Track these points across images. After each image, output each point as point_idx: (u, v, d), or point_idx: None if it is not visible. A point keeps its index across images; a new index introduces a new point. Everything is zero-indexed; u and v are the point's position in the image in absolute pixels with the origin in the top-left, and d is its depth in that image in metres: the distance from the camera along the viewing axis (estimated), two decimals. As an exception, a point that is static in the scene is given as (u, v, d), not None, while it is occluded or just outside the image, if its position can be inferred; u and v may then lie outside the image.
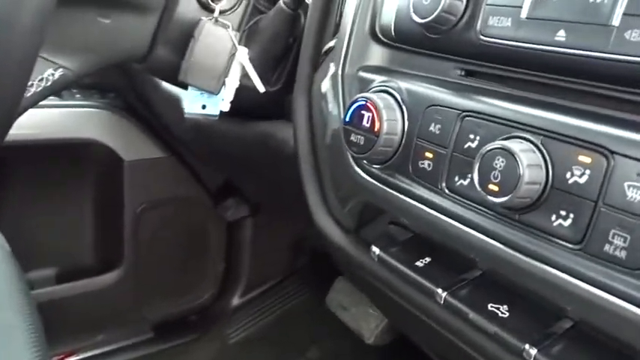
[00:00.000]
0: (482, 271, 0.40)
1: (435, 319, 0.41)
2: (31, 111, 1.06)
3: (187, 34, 0.61)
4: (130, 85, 1.12)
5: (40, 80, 0.57)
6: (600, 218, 0.29)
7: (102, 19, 0.60)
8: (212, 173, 1.30)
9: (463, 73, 0.40)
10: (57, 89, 0.60)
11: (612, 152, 0.29)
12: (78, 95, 1.13)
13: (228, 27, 0.61)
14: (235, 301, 1.42)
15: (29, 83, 0.55)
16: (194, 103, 0.64)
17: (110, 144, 1.14)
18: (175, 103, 0.85)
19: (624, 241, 0.28)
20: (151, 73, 0.76)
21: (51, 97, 1.07)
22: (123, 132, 1.16)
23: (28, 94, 0.56)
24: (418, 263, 0.42)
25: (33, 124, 1.05)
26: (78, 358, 1.23)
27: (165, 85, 0.88)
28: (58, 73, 0.59)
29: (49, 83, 0.58)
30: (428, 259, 0.42)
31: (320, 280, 1.39)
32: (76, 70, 0.60)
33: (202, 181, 1.29)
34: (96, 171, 1.20)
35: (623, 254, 0.28)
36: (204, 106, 0.64)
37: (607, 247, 0.29)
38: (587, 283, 0.30)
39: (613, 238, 0.28)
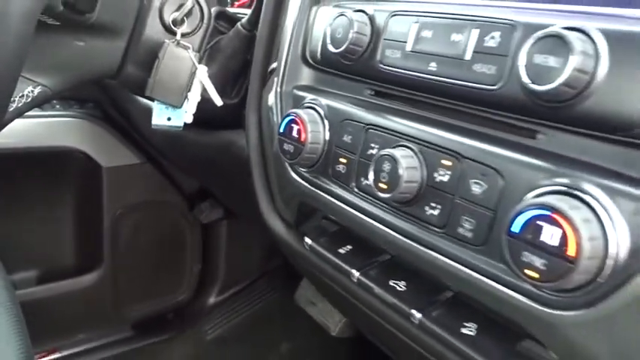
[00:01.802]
0: (390, 255, 0.49)
1: (353, 295, 0.50)
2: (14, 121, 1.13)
3: (153, 54, 0.69)
4: (107, 96, 1.20)
5: (20, 97, 0.65)
6: (455, 208, 0.38)
7: (77, 42, 0.68)
8: (187, 178, 1.38)
9: (373, 92, 0.49)
10: (36, 104, 0.68)
11: (463, 157, 0.38)
12: (58, 106, 1.20)
13: (189, 48, 0.69)
14: (211, 300, 1.49)
15: (12, 99, 0.63)
16: (160, 115, 0.72)
17: (89, 151, 1.21)
18: (149, 113, 0.93)
19: (471, 225, 0.37)
20: (122, 88, 0.85)
21: (34, 109, 1.15)
22: (101, 140, 1.23)
23: (10, 109, 0.64)
24: (340, 250, 0.51)
25: (15, 133, 1.12)
26: (60, 355, 1.30)
27: (142, 101, 0.96)
28: (37, 90, 0.67)
29: (29, 99, 0.66)
30: (349, 247, 0.51)
31: (292, 280, 1.47)
32: (54, 88, 0.68)
33: (178, 185, 1.37)
34: (76, 177, 1.27)
35: (470, 235, 0.37)
36: (169, 118, 0.73)
37: (460, 229, 0.38)
38: (450, 259, 0.39)
39: (464, 223, 0.37)
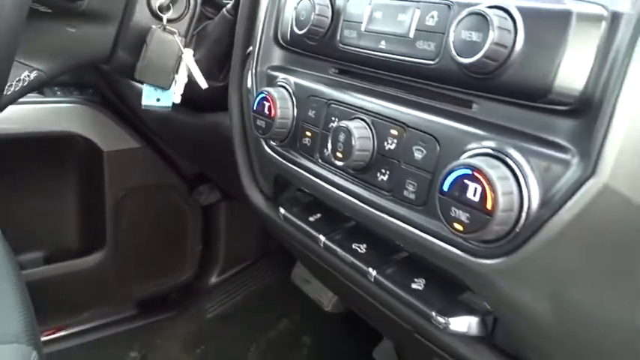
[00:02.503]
0: (355, 222, 0.53)
1: (321, 258, 0.54)
2: (17, 107, 1.19)
3: (141, 39, 0.73)
4: (106, 82, 1.25)
5: (17, 81, 0.70)
6: (401, 173, 0.42)
7: (69, 28, 0.73)
8: (186, 162, 1.42)
9: (337, 71, 0.53)
10: (33, 88, 0.72)
11: (408, 126, 0.42)
12: (59, 92, 1.25)
13: (175, 33, 0.73)
14: (212, 280, 1.55)
15: (9, 84, 0.68)
16: (149, 97, 0.77)
17: (90, 136, 1.26)
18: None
19: (414, 188, 0.41)
20: (115, 72, 0.89)
21: (34, 94, 1.20)
22: (101, 125, 1.27)
23: (8, 93, 0.68)
24: (310, 219, 0.55)
25: (18, 119, 1.17)
26: (67, 332, 1.35)
27: (136, 84, 1.00)
28: (33, 75, 0.71)
29: (25, 83, 0.71)
30: (319, 216, 0.55)
31: (289, 261, 1.51)
32: (49, 72, 0.73)
33: (177, 169, 1.41)
34: (78, 161, 1.32)
35: (413, 196, 0.41)
36: (158, 99, 0.77)
37: (405, 192, 0.42)
38: (397, 219, 0.43)
39: (408, 186, 0.41)
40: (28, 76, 0.71)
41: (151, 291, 1.49)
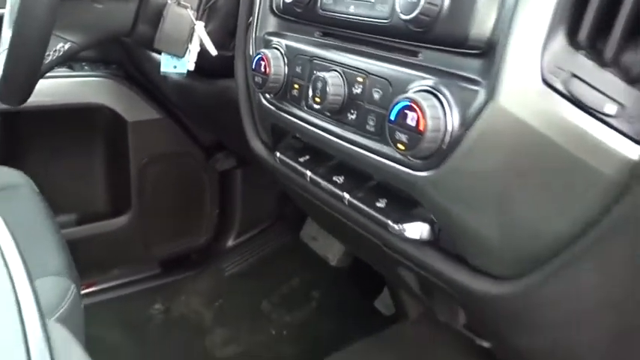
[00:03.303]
0: (336, 161, 0.64)
1: (307, 191, 0.66)
2: (49, 81, 1.32)
3: (159, 13, 0.85)
4: (128, 57, 1.37)
5: (54, 51, 0.82)
6: (365, 111, 0.53)
7: (97, 5, 0.84)
8: (203, 131, 1.54)
9: (321, 34, 0.63)
10: (67, 57, 0.84)
11: (369, 74, 0.52)
12: (86, 67, 1.37)
13: (187, 7, 0.85)
14: (230, 242, 1.67)
15: (47, 53, 0.79)
16: (167, 65, 0.88)
17: (115, 107, 1.38)
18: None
19: (373, 122, 0.52)
20: (136, 44, 1.01)
21: (64, 69, 1.32)
22: (125, 97, 1.39)
23: (47, 61, 0.80)
24: (300, 159, 0.66)
25: (51, 92, 1.29)
26: (97, 288, 1.49)
27: (156, 55, 1.12)
28: (67, 46, 0.83)
29: (60, 53, 0.82)
30: (307, 157, 0.66)
31: (301, 224, 1.64)
32: (80, 43, 0.84)
33: (195, 138, 1.53)
34: (105, 131, 1.45)
35: (373, 129, 0.52)
36: (175, 67, 0.88)
37: (367, 126, 0.52)
38: (362, 149, 0.54)
39: (369, 121, 0.52)
40: (63, 47, 0.83)
41: (173, 251, 1.62)
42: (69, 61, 1.26)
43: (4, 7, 0.91)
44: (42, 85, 0.85)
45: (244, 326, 1.40)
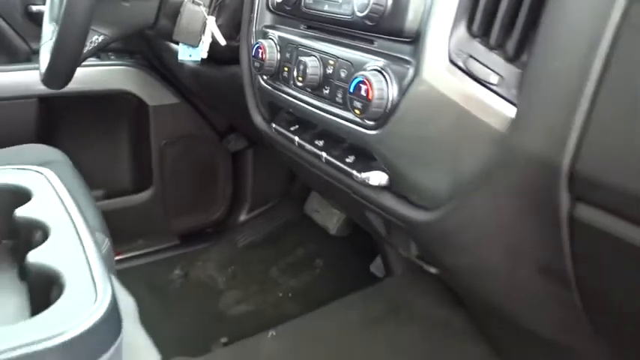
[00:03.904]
0: (320, 129, 0.80)
1: (296, 155, 0.82)
2: (80, 70, 1.50)
3: (176, 10, 1.01)
4: (150, 48, 1.54)
5: (90, 43, 0.99)
6: (335, 87, 0.69)
7: (125, 3, 1.01)
8: (216, 116, 1.71)
9: (306, 27, 0.80)
10: (101, 48, 1.02)
11: (338, 58, 0.69)
12: (113, 57, 1.55)
13: (200, 4, 1.01)
14: (242, 217, 1.84)
15: (86, 44, 0.97)
16: (184, 53, 1.05)
17: (138, 93, 1.55)
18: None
19: (340, 94, 0.68)
20: (157, 36, 1.18)
21: (93, 59, 1.50)
22: (147, 84, 1.56)
23: (85, 50, 0.97)
24: (291, 128, 0.83)
25: (81, 79, 1.45)
26: (123, 257, 1.67)
27: (174, 46, 1.29)
28: (100, 38, 1.00)
29: (96, 44, 1.00)
30: (297, 126, 0.83)
31: (306, 200, 1.80)
32: (111, 36, 1.02)
33: (209, 121, 1.70)
34: (129, 114, 1.62)
35: (340, 100, 0.68)
36: (190, 55, 1.05)
37: (336, 98, 0.69)
38: (333, 115, 0.70)
39: (338, 94, 0.68)
40: (97, 39, 1.01)
41: (190, 225, 1.79)
42: (101, 51, 1.44)
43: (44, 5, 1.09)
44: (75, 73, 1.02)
45: (254, 289, 1.57)
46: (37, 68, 1.38)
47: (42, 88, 1.39)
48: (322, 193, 0.95)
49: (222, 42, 1.02)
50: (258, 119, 0.93)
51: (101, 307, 0.49)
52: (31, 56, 1.52)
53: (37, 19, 1.49)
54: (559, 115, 0.47)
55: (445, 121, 0.56)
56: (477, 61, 0.54)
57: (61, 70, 0.96)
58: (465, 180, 0.56)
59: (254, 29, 0.88)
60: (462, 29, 0.55)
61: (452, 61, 0.55)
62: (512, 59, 0.52)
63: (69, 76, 1.00)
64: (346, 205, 0.86)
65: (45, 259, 0.57)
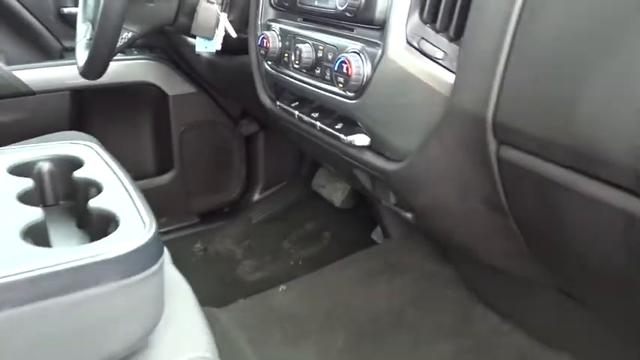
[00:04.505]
0: (316, 104, 0.98)
1: (296, 126, 1.00)
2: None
3: (193, 8, 1.20)
4: (170, 43, 1.73)
5: (121, 38, 1.18)
6: (324, 67, 0.87)
7: (149, 4, 1.20)
8: (230, 103, 1.89)
9: (302, 19, 0.97)
10: (130, 43, 1.20)
11: (326, 43, 0.86)
12: (135, 52, 1.73)
13: (214, 3, 1.19)
14: (256, 197, 2.02)
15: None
16: (200, 46, 1.23)
17: (159, 84, 1.72)
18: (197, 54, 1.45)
19: (329, 72, 0.86)
20: (176, 32, 1.36)
21: (119, 55, 1.68)
22: (167, 76, 1.74)
23: (117, 45, 1.16)
24: (292, 105, 1.01)
25: (108, 73, 1.62)
26: (149, 232, 1.86)
27: (191, 41, 1.47)
28: (130, 34, 1.19)
29: (126, 40, 1.18)
30: (297, 103, 1.01)
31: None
32: (138, 32, 1.20)
33: (224, 108, 1.88)
34: (151, 103, 1.80)
35: (328, 77, 0.86)
36: (206, 47, 1.23)
37: (326, 76, 0.87)
38: (323, 90, 0.88)
39: (326, 72, 0.86)
40: (127, 35, 1.19)
41: (208, 204, 1.97)
42: (130, 46, 1.63)
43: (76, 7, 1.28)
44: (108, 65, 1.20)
45: (268, 259, 1.75)
46: (70, 64, 1.59)
47: (74, 82, 1.60)
48: (318, 158, 1.12)
49: (234, 34, 1.20)
50: (265, 99, 1.11)
51: (149, 233, 0.68)
52: (64, 53, 1.72)
53: (68, 20, 1.69)
54: (483, 80, 0.64)
55: (406, 89, 0.74)
56: (427, 41, 0.71)
57: (98, 62, 1.15)
58: (423, 135, 0.74)
59: (259, 23, 1.06)
60: (415, 17, 0.72)
61: (409, 43, 0.72)
62: (453, 39, 0.70)
63: (105, 68, 1.19)
64: (338, 166, 1.04)
65: (103, 204, 0.75)
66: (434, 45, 0.71)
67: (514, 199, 0.71)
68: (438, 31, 0.71)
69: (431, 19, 0.72)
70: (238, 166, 1.98)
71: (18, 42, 1.71)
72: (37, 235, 0.68)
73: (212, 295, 1.57)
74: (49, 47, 1.72)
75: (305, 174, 2.01)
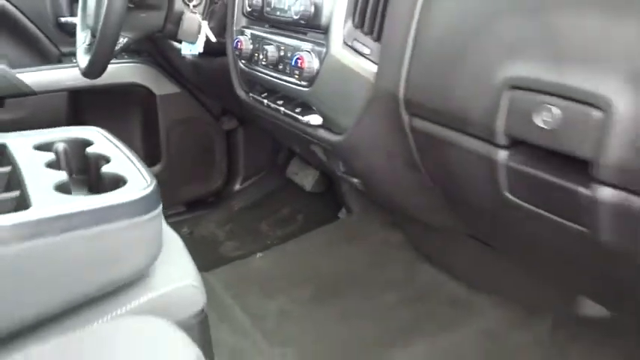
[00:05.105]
0: (281, 94, 1.22)
1: (265, 113, 1.25)
2: (102, 66, 1.88)
3: (179, 17, 1.44)
4: (156, 48, 1.96)
5: (119, 43, 1.41)
6: (285, 63, 1.12)
7: (141, 14, 1.44)
8: (212, 101, 2.13)
9: (269, 26, 1.22)
10: (125, 48, 1.44)
11: (286, 45, 1.11)
12: (126, 56, 1.95)
13: (196, 13, 1.43)
14: (237, 186, 2.23)
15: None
16: (185, 49, 1.47)
17: (147, 85, 1.88)
18: (182, 57, 1.69)
19: (289, 68, 1.10)
20: (164, 37, 1.61)
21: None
22: (154, 77, 1.94)
23: (115, 49, 1.39)
24: (262, 95, 1.25)
25: (103, 74, 1.89)
26: (139, 220, 2.08)
27: (178, 45, 1.71)
28: (125, 40, 1.43)
29: (121, 44, 1.42)
30: (266, 94, 1.25)
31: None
32: (132, 38, 1.44)
33: (206, 106, 2.10)
34: (140, 103, 2.01)
35: (288, 71, 1.11)
36: (190, 50, 1.47)
37: (286, 70, 1.11)
38: (285, 82, 1.12)
39: (286, 67, 1.11)
40: (122, 41, 1.43)
41: (193, 194, 2.16)
42: (125, 50, 1.87)
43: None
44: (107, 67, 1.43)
45: (248, 239, 1.99)
46: (67, 67, 1.83)
47: (71, 83, 1.82)
48: (285, 139, 1.37)
49: (213, 39, 1.45)
50: (240, 92, 1.36)
51: (150, 187, 0.92)
52: (62, 58, 1.94)
53: (65, 28, 1.92)
54: (396, 69, 0.89)
55: (344, 78, 0.99)
56: (359, 41, 0.97)
57: (99, 64, 1.39)
58: (357, 112, 0.99)
59: (234, 29, 1.31)
60: (350, 24, 0.98)
61: (345, 43, 0.98)
62: (376, 39, 0.95)
63: (104, 69, 1.42)
64: (298, 142, 1.28)
65: (113, 169, 0.99)
66: (363, 44, 0.96)
67: (425, 159, 0.96)
68: (366, 34, 0.96)
69: (360, 25, 0.97)
70: (220, 158, 2.17)
71: (19, 47, 1.91)
72: (65, 190, 0.91)
73: (199, 266, 1.80)
74: (47, 52, 1.92)
75: (281, 164, 2.25)
